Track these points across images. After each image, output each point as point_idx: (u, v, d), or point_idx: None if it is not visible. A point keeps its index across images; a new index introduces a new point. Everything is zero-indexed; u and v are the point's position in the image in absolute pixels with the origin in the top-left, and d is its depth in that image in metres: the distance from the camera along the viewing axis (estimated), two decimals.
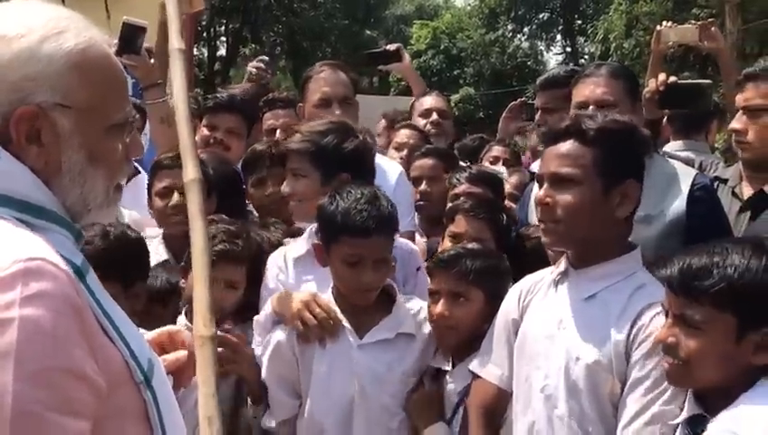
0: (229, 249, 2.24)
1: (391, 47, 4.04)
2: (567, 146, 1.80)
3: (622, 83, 2.45)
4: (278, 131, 3.37)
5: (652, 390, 1.68)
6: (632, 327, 1.73)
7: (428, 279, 2.27)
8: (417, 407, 2.13)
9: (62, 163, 1.11)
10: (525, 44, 33.22)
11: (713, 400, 1.55)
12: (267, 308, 2.21)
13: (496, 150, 4.04)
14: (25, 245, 1.00)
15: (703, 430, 1.52)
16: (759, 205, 2.35)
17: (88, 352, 1.00)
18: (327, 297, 2.16)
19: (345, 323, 2.13)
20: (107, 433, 1.01)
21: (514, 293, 2.01)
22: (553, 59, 35.06)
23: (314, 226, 2.33)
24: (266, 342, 2.19)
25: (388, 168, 2.93)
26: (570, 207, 1.77)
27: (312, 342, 2.11)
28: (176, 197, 2.58)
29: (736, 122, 2.34)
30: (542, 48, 34.22)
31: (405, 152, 3.38)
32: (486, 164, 3.86)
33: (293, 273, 2.30)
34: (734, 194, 2.69)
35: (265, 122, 3.51)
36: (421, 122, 3.80)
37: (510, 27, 32.03)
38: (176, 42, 1.78)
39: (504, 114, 4.59)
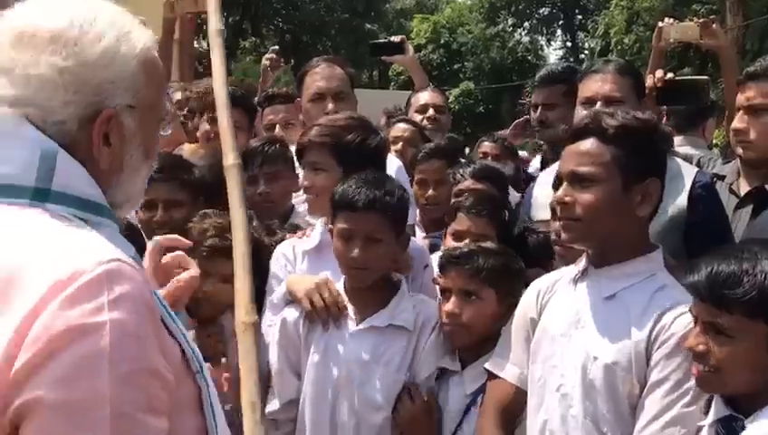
0: (220, 244, 2.25)
1: (396, 39, 4.02)
2: (587, 144, 1.78)
3: (629, 80, 2.44)
4: (277, 127, 3.37)
5: (672, 392, 1.66)
6: (653, 328, 1.70)
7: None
8: (409, 421, 2.09)
9: (124, 162, 1.11)
10: (526, 39, 33.19)
11: (743, 402, 1.54)
12: (282, 288, 2.25)
13: (486, 146, 4.02)
14: (101, 246, 1.00)
15: (736, 432, 1.52)
16: (760, 202, 2.34)
17: (159, 349, 1.01)
18: (338, 285, 2.20)
19: (350, 310, 2.16)
20: (173, 428, 1.02)
21: (533, 291, 1.97)
22: (554, 54, 35.02)
23: (325, 219, 2.35)
24: (276, 320, 2.22)
25: (388, 162, 2.94)
26: (590, 205, 1.75)
27: (316, 323, 2.15)
28: (160, 211, 2.56)
29: (738, 122, 2.33)
30: (543, 43, 34.22)
31: (400, 145, 3.37)
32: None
33: (305, 265, 2.33)
34: (731, 191, 2.68)
35: (265, 118, 3.50)
36: (417, 118, 3.78)
37: (510, 22, 32.00)
38: (214, 23, 1.75)
39: (509, 130, 4.58)
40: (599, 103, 2.37)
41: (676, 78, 2.71)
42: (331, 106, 2.89)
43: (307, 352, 2.16)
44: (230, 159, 1.58)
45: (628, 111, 1.86)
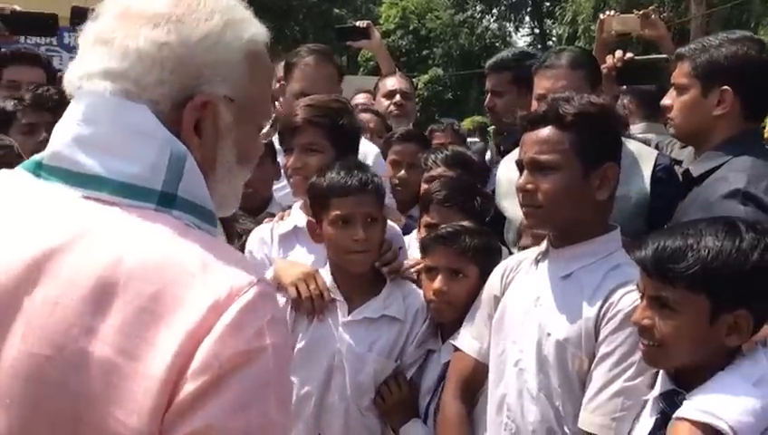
0: None
1: (361, 24, 4.02)
2: (545, 132, 1.82)
3: (581, 72, 2.48)
4: None
5: (617, 365, 1.71)
6: (603, 305, 1.76)
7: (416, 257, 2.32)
8: (391, 407, 2.18)
9: (217, 159, 1.02)
10: (494, 26, 33.27)
11: (686, 377, 1.58)
12: (268, 274, 2.24)
13: (439, 136, 4.02)
14: (246, 263, 0.96)
15: (677, 405, 1.55)
16: (691, 182, 2.37)
17: None
18: (324, 272, 2.21)
19: (339, 297, 2.19)
20: None
21: (499, 270, 2.05)
22: (522, 40, 35.17)
23: (301, 202, 2.39)
24: None
25: (365, 149, 2.95)
26: (550, 192, 1.80)
27: (301, 312, 2.17)
28: None
29: (666, 98, 2.39)
30: (511, 30, 34.33)
31: (367, 136, 3.35)
32: None
33: (278, 249, 2.34)
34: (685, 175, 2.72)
35: None
36: (384, 103, 3.79)
37: (479, 8, 32.04)
38: None
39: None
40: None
41: (636, 57, 2.72)
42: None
43: (294, 339, 2.17)
44: None
45: (583, 95, 1.89)
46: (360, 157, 2.71)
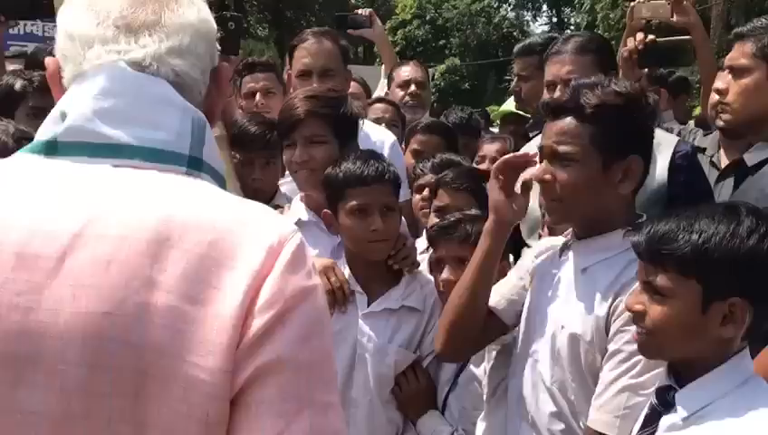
0: None
1: (363, 12, 3.89)
2: (565, 122, 1.75)
3: (590, 57, 2.39)
4: (258, 95, 3.30)
5: (624, 362, 1.66)
6: (613, 301, 1.70)
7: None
8: (408, 399, 2.17)
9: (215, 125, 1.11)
10: (511, 15, 33.05)
11: (684, 372, 1.49)
12: None
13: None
14: (280, 214, 1.02)
15: (668, 402, 1.48)
16: (740, 174, 2.31)
17: None
18: (341, 264, 2.19)
19: (358, 288, 2.18)
20: None
21: (533, 252, 1.99)
22: (539, 29, 34.87)
23: (300, 195, 2.36)
24: None
25: (382, 137, 2.91)
26: (568, 185, 1.74)
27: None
28: None
29: (719, 81, 2.27)
30: (528, 18, 34.10)
31: (383, 126, 3.34)
32: None
33: None
34: (712, 163, 2.64)
35: (245, 86, 3.41)
36: (399, 93, 3.75)
37: None
38: None
39: None
40: (559, 87, 2.32)
41: (658, 39, 2.65)
42: (315, 84, 2.79)
43: None
44: (215, 130, 1.52)
45: (609, 84, 1.79)
46: (377, 145, 2.69)
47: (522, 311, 1.95)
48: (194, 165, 0.98)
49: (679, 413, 1.45)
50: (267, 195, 2.75)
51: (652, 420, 1.50)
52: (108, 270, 0.87)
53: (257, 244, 0.92)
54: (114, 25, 1.00)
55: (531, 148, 2.61)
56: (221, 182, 1.03)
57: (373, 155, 2.23)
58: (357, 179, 2.13)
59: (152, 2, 1.02)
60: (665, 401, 1.49)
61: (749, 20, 2.56)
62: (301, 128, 2.27)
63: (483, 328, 1.93)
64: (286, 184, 2.72)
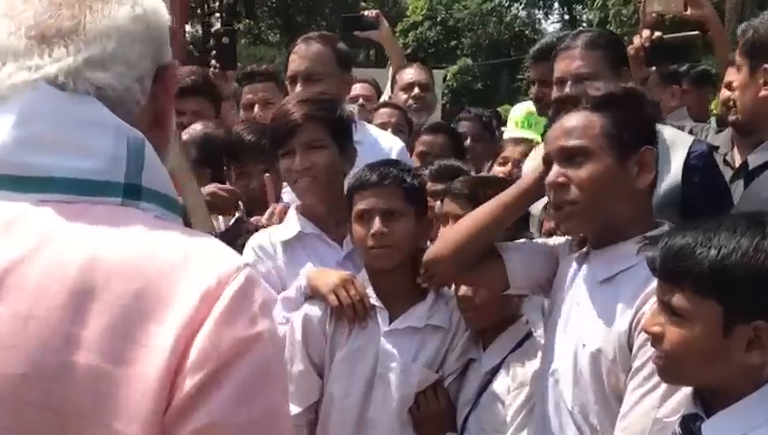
0: None
1: (370, 14, 3.85)
2: (573, 117, 1.69)
3: (600, 53, 2.33)
4: (256, 106, 3.25)
5: (648, 380, 1.55)
6: (635, 316, 1.59)
7: None
8: (426, 420, 2.05)
9: (169, 138, 0.98)
10: (523, 13, 32.92)
11: (709, 398, 1.38)
12: (301, 281, 2.11)
13: (465, 126, 3.86)
14: (227, 249, 0.90)
15: (693, 432, 1.36)
16: (749, 175, 2.26)
17: None
18: (361, 278, 2.10)
19: (378, 303, 2.08)
20: None
21: (565, 246, 1.87)
22: (551, 28, 34.70)
23: (295, 205, 2.29)
24: (294, 319, 2.08)
25: (390, 144, 2.88)
26: (586, 183, 1.63)
27: (342, 320, 2.06)
28: None
29: (729, 76, 2.21)
30: (540, 17, 33.95)
31: (389, 131, 3.31)
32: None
33: (284, 257, 2.19)
34: (725, 162, 2.60)
35: (244, 96, 3.35)
36: (403, 96, 3.70)
37: None
38: None
39: None
40: (569, 83, 2.28)
41: (665, 36, 2.58)
42: (298, 88, 2.77)
43: (332, 350, 2.06)
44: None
45: (610, 81, 1.80)
46: (381, 150, 2.65)
47: (534, 278, 1.87)
48: (131, 194, 0.87)
49: None
50: (264, 205, 2.65)
51: None
52: (26, 327, 0.79)
53: (190, 290, 0.81)
54: (26, 36, 0.87)
55: (533, 157, 2.58)
56: (170, 205, 0.92)
57: (387, 162, 2.19)
58: (359, 184, 2.10)
59: (71, 5, 0.89)
60: (690, 432, 1.36)
61: (763, 11, 2.49)
62: (298, 134, 2.18)
63: (480, 260, 1.85)
64: (286, 194, 2.62)
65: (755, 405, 1.30)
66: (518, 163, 3.20)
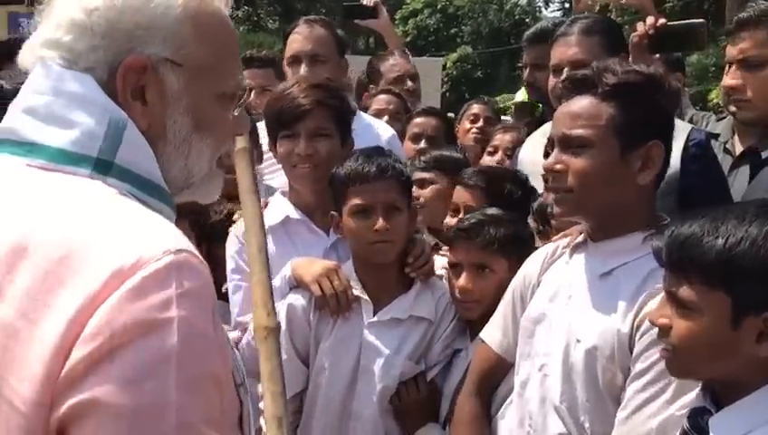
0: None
1: (368, 2, 3.80)
2: (580, 103, 1.62)
3: (597, 39, 2.32)
4: (253, 92, 3.24)
5: (653, 384, 1.50)
6: (638, 313, 1.54)
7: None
8: (409, 409, 2.03)
9: (167, 127, 1.00)
10: (523, 1, 32.76)
11: (719, 392, 1.35)
12: (285, 271, 2.10)
13: (476, 108, 3.91)
14: (169, 232, 0.90)
15: (701, 427, 1.32)
16: (756, 162, 2.24)
17: (221, 353, 0.90)
18: (347, 269, 2.08)
19: (364, 295, 2.06)
20: None
21: (538, 257, 1.83)
22: (552, 15, 34.57)
23: (280, 190, 2.29)
24: (279, 308, 2.04)
25: (381, 130, 2.87)
26: (581, 173, 1.59)
27: (324, 310, 2.05)
28: None
29: (731, 78, 2.17)
30: (541, 5, 33.78)
31: (386, 118, 3.31)
32: (467, 124, 3.79)
33: (271, 243, 2.13)
34: (725, 150, 2.57)
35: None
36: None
37: None
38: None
39: None
40: (565, 69, 2.25)
41: (669, 23, 2.54)
42: (303, 69, 2.76)
43: (317, 340, 2.06)
44: (240, 142, 1.40)
45: (630, 64, 1.71)
46: (373, 137, 2.61)
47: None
48: (100, 168, 0.93)
49: None
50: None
51: None
52: None
53: (106, 264, 0.82)
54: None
55: (531, 141, 2.53)
56: (148, 188, 0.96)
57: (379, 151, 2.14)
58: (357, 177, 2.03)
59: None
60: (698, 427, 1.33)
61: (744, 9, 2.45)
62: (306, 119, 2.15)
63: (499, 379, 1.85)
64: (274, 180, 2.58)
65: (765, 400, 1.27)
66: (507, 151, 3.19)
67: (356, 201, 2.03)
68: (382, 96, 3.43)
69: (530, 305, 1.77)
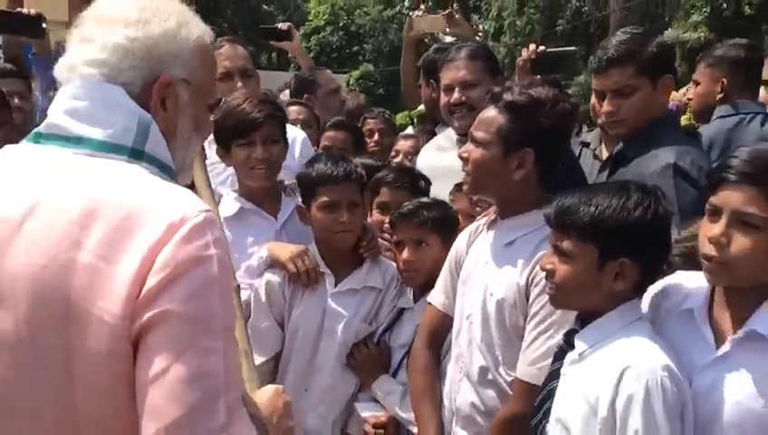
0: None
1: (283, 26, 4.26)
2: (488, 112, 2.04)
3: (481, 63, 2.75)
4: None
5: (542, 323, 1.93)
6: (532, 270, 1.96)
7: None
8: (362, 365, 2.45)
9: (177, 128, 1.30)
10: None
11: (588, 319, 1.77)
12: (262, 253, 2.49)
13: (371, 123, 4.08)
14: (195, 198, 1.20)
15: (571, 343, 1.75)
16: (615, 163, 2.52)
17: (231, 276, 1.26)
18: (312, 250, 2.47)
19: (326, 270, 2.46)
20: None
21: (466, 232, 2.24)
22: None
23: (228, 190, 2.69)
24: (258, 284, 2.46)
25: (294, 133, 3.06)
26: (474, 162, 2.03)
27: (298, 284, 2.45)
28: None
29: (608, 105, 2.41)
30: None
31: (298, 126, 3.47)
32: (366, 139, 3.97)
33: (227, 232, 2.30)
34: (595, 156, 2.99)
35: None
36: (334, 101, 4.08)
37: (407, 4, 32.03)
38: None
39: None
40: (456, 89, 2.71)
41: (548, 50, 2.99)
42: (239, 84, 3.12)
43: (290, 309, 2.46)
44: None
45: (530, 87, 2.03)
46: (291, 141, 2.88)
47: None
48: (135, 155, 1.22)
49: (577, 349, 1.73)
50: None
51: (560, 356, 1.79)
52: (49, 233, 1.11)
53: (161, 219, 1.11)
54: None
55: (425, 151, 3.09)
56: (165, 171, 1.25)
57: (341, 157, 2.57)
58: (328, 178, 2.43)
59: (111, 27, 1.29)
60: (570, 342, 1.77)
61: (644, 24, 2.81)
62: (261, 129, 2.55)
63: (445, 332, 2.23)
64: (219, 177, 2.79)
65: (613, 319, 1.70)
66: (408, 156, 3.53)
67: (325, 198, 2.43)
68: (293, 107, 3.62)
69: (463, 271, 2.18)
